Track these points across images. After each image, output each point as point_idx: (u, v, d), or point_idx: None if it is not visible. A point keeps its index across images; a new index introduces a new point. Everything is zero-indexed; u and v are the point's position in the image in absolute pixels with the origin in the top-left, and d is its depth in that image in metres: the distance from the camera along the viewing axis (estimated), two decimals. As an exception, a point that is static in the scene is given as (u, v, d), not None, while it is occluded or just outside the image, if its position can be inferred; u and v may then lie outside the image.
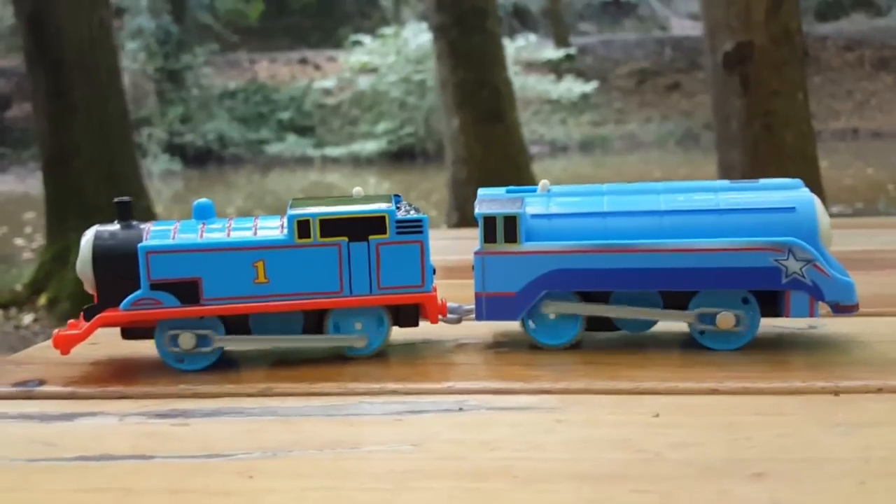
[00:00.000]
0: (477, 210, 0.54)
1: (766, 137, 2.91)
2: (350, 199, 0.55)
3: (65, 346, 0.52)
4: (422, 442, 0.41)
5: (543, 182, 0.57)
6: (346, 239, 0.52)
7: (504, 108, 4.10)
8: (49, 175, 3.73)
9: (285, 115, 7.43)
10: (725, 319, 0.52)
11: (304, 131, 7.40)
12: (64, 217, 3.71)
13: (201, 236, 0.53)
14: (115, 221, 0.55)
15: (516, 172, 4.05)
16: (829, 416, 0.42)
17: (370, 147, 7.19)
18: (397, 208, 0.54)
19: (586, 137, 7.88)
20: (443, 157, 4.29)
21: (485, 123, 4.02)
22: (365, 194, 0.55)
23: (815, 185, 2.93)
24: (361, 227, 0.52)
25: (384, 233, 0.52)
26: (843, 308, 0.52)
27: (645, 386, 0.48)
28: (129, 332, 0.54)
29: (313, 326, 0.54)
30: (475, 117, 4.01)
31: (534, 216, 0.54)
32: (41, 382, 0.53)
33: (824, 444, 0.39)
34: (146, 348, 0.55)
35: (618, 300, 0.54)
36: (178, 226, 0.54)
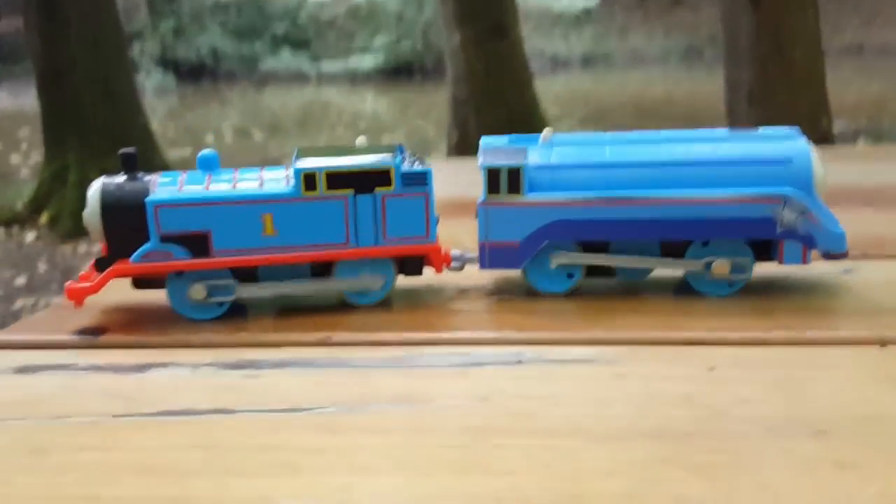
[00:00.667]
0: (481, 161, 0.56)
1: (775, 56, 2.87)
2: (354, 150, 0.56)
3: (78, 298, 0.53)
4: (489, 396, 0.42)
5: (546, 131, 0.58)
6: (352, 191, 0.54)
7: (508, 22, 4.00)
8: (44, 93, 3.67)
9: (280, 29, 7.24)
10: (720, 267, 0.54)
11: (299, 46, 7.23)
12: (61, 135, 3.67)
13: (207, 188, 0.54)
14: (121, 172, 0.55)
15: (518, 91, 3.99)
16: (879, 368, 0.44)
17: (367, 62, 7.05)
18: (402, 159, 0.55)
19: (588, 53, 7.73)
20: (442, 73, 4.22)
21: (487, 39, 3.92)
22: (368, 144, 0.57)
23: (823, 105, 2.92)
24: (367, 180, 0.54)
25: (389, 185, 0.54)
26: (834, 256, 0.55)
27: (696, 336, 0.49)
28: (141, 282, 0.55)
29: (320, 276, 0.56)
30: (477, 33, 3.91)
31: (537, 167, 0.55)
32: (101, 330, 0.54)
33: (880, 400, 0.40)
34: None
35: (617, 248, 0.56)
36: (185, 177, 0.55)
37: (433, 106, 6.03)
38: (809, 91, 2.90)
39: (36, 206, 3.69)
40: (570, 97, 6.89)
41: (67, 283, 0.53)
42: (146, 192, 0.53)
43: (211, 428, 0.40)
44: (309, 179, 0.53)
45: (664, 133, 0.57)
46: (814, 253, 0.55)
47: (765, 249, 0.56)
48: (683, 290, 0.56)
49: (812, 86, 2.90)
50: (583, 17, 7.69)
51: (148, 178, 0.55)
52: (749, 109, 2.90)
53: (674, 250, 0.56)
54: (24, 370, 0.49)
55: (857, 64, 7.06)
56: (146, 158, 3.78)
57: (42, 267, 3.20)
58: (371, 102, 6.17)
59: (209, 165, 0.56)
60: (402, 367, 0.47)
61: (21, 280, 3.06)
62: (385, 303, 0.56)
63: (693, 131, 0.57)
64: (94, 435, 0.40)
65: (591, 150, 0.56)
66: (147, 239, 0.53)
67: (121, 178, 0.55)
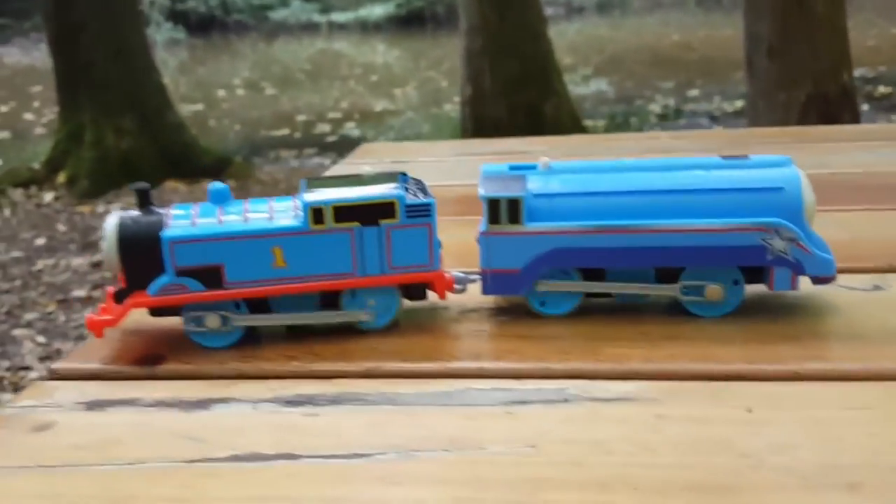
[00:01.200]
0: (482, 192, 0.58)
1: (796, 7, 2.83)
2: (360, 180, 0.59)
3: (98, 329, 0.56)
4: (538, 442, 0.44)
5: (543, 160, 0.61)
6: (358, 224, 0.56)
7: (522, -31, 3.92)
8: (57, 52, 3.66)
9: (289, -22, 7.14)
10: (714, 291, 0.58)
11: (309, -5, 7.14)
12: (75, 94, 3.68)
13: (220, 222, 0.57)
14: (136, 207, 0.58)
15: (533, 43, 3.94)
16: (910, 409, 0.46)
17: (378, 12, 6.95)
18: (405, 188, 0.58)
19: (603, -2, 7.58)
20: (453, 22, 4.15)
21: (501, -14, 3.86)
22: (374, 173, 0.60)
23: (844, 56, 2.87)
24: (373, 212, 0.57)
25: (394, 217, 0.57)
26: (823, 280, 0.58)
27: (733, 370, 0.51)
28: (157, 311, 0.58)
29: (329, 304, 0.59)
30: (491, -21, 3.85)
31: (536, 195, 0.58)
32: (158, 359, 0.57)
33: (911, 447, 0.42)
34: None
35: (614, 273, 0.60)
36: (198, 210, 0.58)
37: (445, 56, 5.95)
38: (830, 44, 2.86)
39: (53, 167, 3.72)
40: (584, 44, 6.79)
41: (87, 315, 0.57)
42: (161, 227, 0.56)
43: (278, 477, 0.43)
44: (317, 213, 0.56)
45: (660, 161, 0.60)
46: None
47: (756, 273, 0.59)
48: (676, 310, 0.59)
49: (833, 39, 2.85)
50: (598, -40, 7.51)
51: (162, 211, 0.58)
52: (769, 64, 2.87)
53: (668, 274, 0.59)
54: (93, 406, 0.51)
55: (877, 4, 6.90)
56: (161, 115, 3.78)
57: (61, 228, 3.24)
58: (382, 53, 6.12)
59: (220, 198, 0.59)
60: (451, 406, 0.49)
61: (41, 241, 3.10)
62: (392, 327, 0.59)
63: (687, 159, 0.60)
64: (171, 484, 0.43)
65: (588, 179, 0.59)
66: (162, 270, 0.56)
67: (136, 213, 0.57)
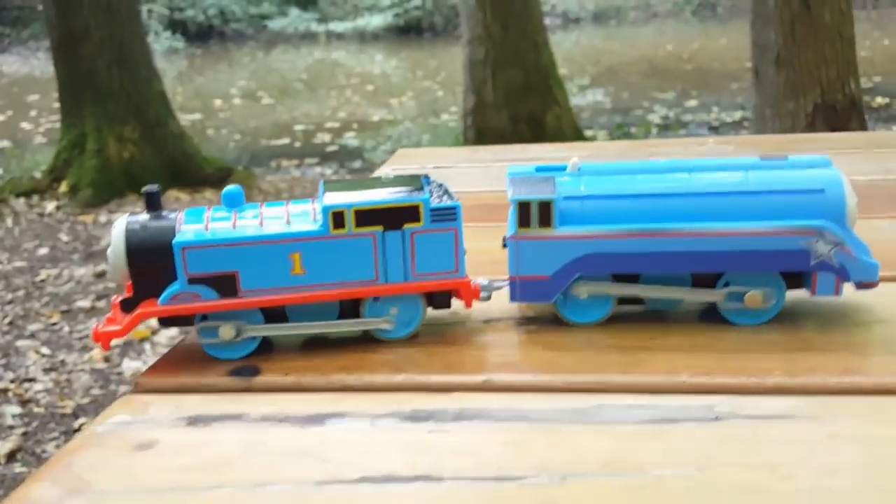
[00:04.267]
0: (511, 194, 0.54)
1: (804, 16, 2.82)
2: (380, 182, 0.55)
3: (105, 341, 0.52)
4: (704, 466, 0.40)
5: (574, 161, 0.57)
6: (380, 228, 0.53)
7: (524, -20, 3.92)
8: (60, 59, 3.62)
9: (287, -13, 7.11)
10: (754, 298, 0.54)
11: (307, 5, 7.11)
12: (78, 102, 3.63)
13: (234, 226, 0.52)
14: (144, 210, 0.54)
15: (535, 52, 3.94)
16: None
17: (376, 21, 6.94)
18: (429, 192, 0.54)
19: (600, 8, 7.60)
20: (450, 33, 4.15)
21: (503, -2, 3.86)
22: (394, 176, 0.56)
23: (851, 66, 2.87)
24: (396, 216, 0.53)
25: (418, 221, 0.53)
26: (867, 285, 0.54)
27: (887, 382, 0.47)
28: (166, 321, 0.54)
29: (349, 312, 0.55)
30: (493, -8, 3.84)
31: (566, 198, 0.55)
32: (255, 371, 0.52)
33: None
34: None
35: (648, 277, 0.56)
36: (210, 214, 0.54)
37: (442, 66, 5.93)
38: (837, 52, 2.85)
39: (55, 176, 3.66)
40: (581, 55, 6.79)
41: (94, 326, 0.52)
42: (172, 232, 0.52)
43: (423, 501, 0.39)
44: (337, 217, 0.52)
45: (694, 162, 0.56)
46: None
47: (795, 278, 0.55)
48: (710, 316, 0.56)
49: (840, 47, 2.85)
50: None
51: (172, 215, 0.54)
52: (776, 72, 2.86)
53: (704, 279, 0.55)
54: (195, 422, 0.47)
55: (872, 16, 6.95)
56: (163, 124, 3.73)
57: (64, 237, 3.18)
58: (380, 63, 6.09)
59: (234, 201, 0.54)
60: (590, 423, 0.45)
61: (43, 250, 3.04)
62: (414, 337, 0.56)
63: (723, 160, 0.56)
64: (310, 512, 0.38)
65: (620, 180, 0.55)
66: (173, 278, 0.52)
67: (144, 217, 0.53)
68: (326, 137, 4.91)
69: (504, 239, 0.56)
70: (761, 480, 0.39)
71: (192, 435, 0.46)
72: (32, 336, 2.32)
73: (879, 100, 5.12)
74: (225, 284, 0.52)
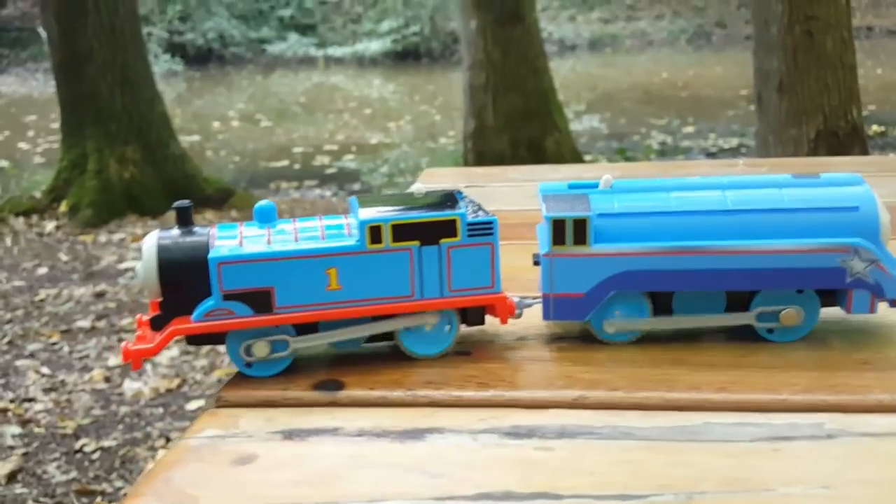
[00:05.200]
0: (545, 211, 0.54)
1: (806, 44, 2.86)
2: (413, 198, 0.54)
3: (136, 359, 0.51)
4: (829, 483, 0.39)
5: (606, 177, 0.57)
6: (417, 243, 0.52)
7: (524, 8, 3.96)
8: (62, 80, 3.61)
9: (286, 13, 7.15)
10: (790, 317, 0.54)
11: (305, 30, 7.16)
12: (80, 123, 3.62)
13: (269, 242, 0.51)
14: (176, 226, 0.53)
15: (535, 77, 3.96)
16: None
17: (374, 47, 6.98)
18: (465, 208, 0.53)
19: (596, 35, 7.68)
20: (447, 58, 4.18)
21: (504, 25, 3.89)
22: (426, 192, 0.55)
23: (853, 94, 2.90)
24: (433, 231, 0.52)
25: (455, 236, 0.52)
26: None
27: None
28: (195, 339, 0.53)
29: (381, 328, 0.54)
30: (494, 18, 3.88)
31: (600, 215, 0.54)
32: (339, 385, 0.51)
33: None
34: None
35: (682, 296, 0.55)
36: (243, 229, 0.53)
37: (439, 91, 5.97)
38: (840, 80, 2.89)
39: (55, 196, 3.64)
40: (577, 81, 6.85)
41: (124, 344, 0.51)
42: (206, 248, 0.51)
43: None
44: (374, 232, 0.51)
45: (728, 179, 0.56)
46: None
47: (829, 296, 0.55)
48: (739, 333, 0.55)
49: (843, 75, 2.88)
50: None
51: (204, 230, 0.52)
52: (779, 99, 2.89)
53: (737, 298, 0.55)
54: (291, 435, 0.46)
55: (865, 46, 7.06)
56: (164, 146, 3.72)
57: (63, 257, 3.16)
58: (378, 88, 6.12)
59: (267, 217, 0.53)
60: (703, 441, 0.44)
61: (42, 270, 3.01)
62: (446, 354, 0.54)
63: (757, 177, 0.56)
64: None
65: (653, 198, 0.55)
66: (204, 294, 0.50)
67: (175, 232, 0.52)
68: (325, 160, 4.91)
69: (535, 256, 0.55)
70: (891, 499, 0.38)
71: (291, 448, 0.44)
72: (32, 356, 2.29)
73: (875, 128, 5.18)
74: (260, 300, 0.51)
